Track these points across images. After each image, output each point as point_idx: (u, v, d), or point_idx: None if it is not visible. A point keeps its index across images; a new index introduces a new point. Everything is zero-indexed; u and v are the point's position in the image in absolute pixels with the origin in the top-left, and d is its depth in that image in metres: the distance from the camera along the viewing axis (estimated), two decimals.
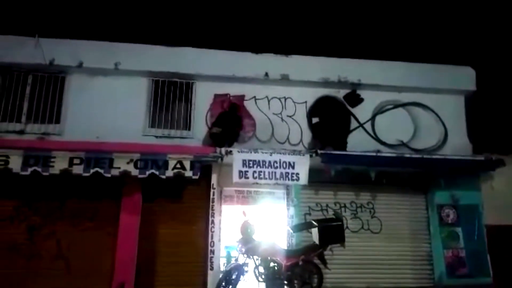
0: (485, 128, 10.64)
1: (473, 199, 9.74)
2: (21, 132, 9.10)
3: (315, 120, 10.06)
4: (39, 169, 7.98)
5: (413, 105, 10.51)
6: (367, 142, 10.03)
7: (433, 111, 10.49)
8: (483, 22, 12.49)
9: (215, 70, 9.80)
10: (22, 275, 8.11)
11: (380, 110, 10.38)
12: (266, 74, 9.95)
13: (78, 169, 8.11)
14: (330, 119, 10.05)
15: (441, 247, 9.41)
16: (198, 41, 10.37)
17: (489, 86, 10.98)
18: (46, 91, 9.45)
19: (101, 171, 8.16)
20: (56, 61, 9.34)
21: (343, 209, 9.55)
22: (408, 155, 9.55)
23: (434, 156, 9.65)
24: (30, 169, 7.94)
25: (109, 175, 8.20)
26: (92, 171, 8.13)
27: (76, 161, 8.15)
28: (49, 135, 9.11)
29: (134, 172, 8.29)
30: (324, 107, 10.18)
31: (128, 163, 8.30)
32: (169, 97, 9.83)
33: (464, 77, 10.58)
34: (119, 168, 8.25)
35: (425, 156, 9.56)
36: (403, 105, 10.47)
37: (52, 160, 8.08)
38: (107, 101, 9.42)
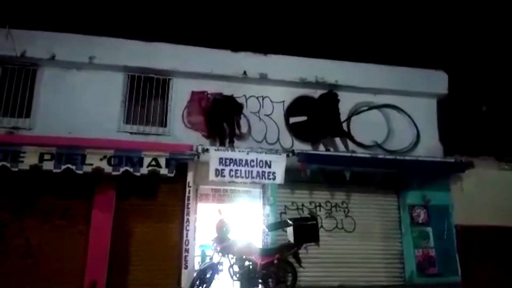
0: (456, 131, 10.94)
1: (443, 200, 10.02)
2: None
3: (296, 119, 10.10)
4: (8, 164, 7.71)
5: (388, 107, 10.72)
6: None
7: (406, 113, 10.72)
8: (458, 28, 12.83)
9: (193, 67, 9.70)
10: None
11: (355, 111, 10.53)
12: (245, 73, 9.93)
13: (48, 165, 7.88)
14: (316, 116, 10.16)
15: (412, 246, 9.65)
16: (176, 37, 10.22)
17: (461, 90, 11.30)
18: (16, 83, 9.13)
19: (73, 167, 7.95)
20: (28, 53, 9.04)
21: (318, 208, 9.67)
22: (381, 156, 9.73)
23: (406, 157, 9.86)
24: None
25: (81, 172, 8.00)
26: (63, 167, 7.91)
27: (46, 156, 7.91)
28: (19, 130, 8.81)
29: (108, 169, 8.12)
30: (301, 107, 10.25)
31: (101, 159, 8.12)
32: (145, 93, 9.67)
33: (437, 80, 10.87)
34: (91, 164, 8.06)
35: (398, 157, 9.76)
36: (378, 107, 10.66)
37: (22, 155, 7.82)
38: (81, 95, 9.20)
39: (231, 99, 9.69)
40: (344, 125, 10.37)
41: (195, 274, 7.64)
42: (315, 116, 10.21)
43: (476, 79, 12.07)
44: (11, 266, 7.97)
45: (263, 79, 10.02)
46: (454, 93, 10.92)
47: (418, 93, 10.74)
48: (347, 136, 10.21)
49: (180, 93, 9.76)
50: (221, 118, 9.43)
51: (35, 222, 8.28)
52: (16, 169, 7.76)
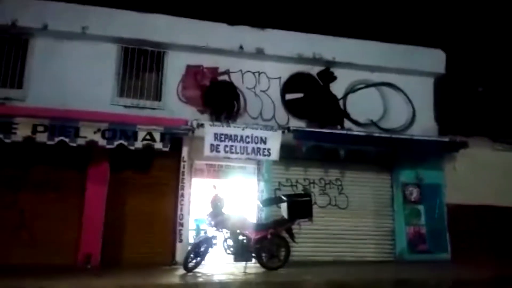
0: (451, 111, 10.95)
1: (436, 178, 10.13)
2: None
3: (292, 95, 10.04)
4: (1, 136, 7.63)
5: (384, 85, 10.68)
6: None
7: (403, 92, 10.69)
8: (457, 6, 12.66)
9: (188, 40, 9.53)
10: None
11: (352, 89, 10.46)
12: (241, 47, 9.78)
13: (42, 137, 7.81)
14: (316, 96, 10.12)
15: (404, 223, 9.81)
16: (171, 8, 9.98)
17: (458, 69, 11.25)
18: (8, 53, 8.94)
19: (66, 140, 7.89)
20: (20, 22, 8.81)
21: (312, 185, 9.72)
22: (376, 134, 9.75)
23: (401, 136, 9.92)
24: None
25: (74, 145, 7.95)
26: (56, 139, 7.85)
27: (40, 128, 7.83)
28: (11, 100, 8.66)
29: (102, 142, 8.07)
30: (298, 83, 10.16)
31: (95, 132, 8.06)
32: (139, 65, 9.52)
33: (435, 59, 10.80)
34: (85, 137, 8.00)
35: (393, 136, 9.81)
36: (375, 85, 10.61)
37: (15, 126, 7.73)
38: (74, 66, 9.03)
39: (229, 85, 9.60)
40: (340, 103, 10.31)
41: (189, 248, 7.70)
42: (312, 93, 10.14)
43: (474, 60, 12.01)
44: (6, 238, 7.97)
45: (259, 54, 9.88)
46: (451, 72, 10.89)
47: (416, 72, 10.68)
48: (343, 116, 10.15)
49: (175, 67, 9.62)
50: (219, 101, 9.32)
51: (29, 194, 8.26)
52: (9, 141, 7.68)
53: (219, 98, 9.46)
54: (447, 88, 11.07)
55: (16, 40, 9.00)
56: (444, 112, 10.80)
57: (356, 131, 9.79)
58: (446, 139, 10.04)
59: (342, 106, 10.33)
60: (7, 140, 7.66)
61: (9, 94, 8.73)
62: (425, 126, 10.49)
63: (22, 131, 7.74)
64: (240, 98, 9.71)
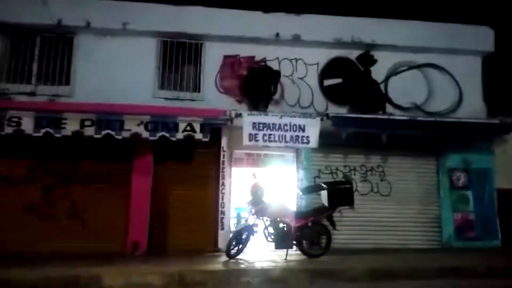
0: (501, 91, 10.37)
1: (486, 163, 9.69)
2: (32, 93, 9.10)
3: (331, 81, 9.89)
4: (51, 131, 8.06)
5: (428, 66, 10.25)
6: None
7: (448, 72, 10.22)
8: None
9: (224, 30, 9.57)
10: (39, 234, 8.38)
11: (394, 72, 10.13)
12: (277, 35, 9.70)
13: (89, 131, 8.19)
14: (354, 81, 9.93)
15: (451, 210, 9.48)
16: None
17: (508, 47, 10.58)
18: (55, 52, 9.39)
19: (112, 133, 8.22)
20: (64, 21, 9.20)
21: (352, 172, 9.59)
22: (420, 118, 9.42)
23: (447, 119, 9.51)
24: (42, 131, 8.03)
25: (120, 137, 8.27)
26: (103, 133, 8.19)
27: (87, 123, 8.20)
28: (60, 97, 9.11)
29: (145, 134, 8.34)
30: (337, 69, 9.98)
31: (138, 125, 8.33)
32: (178, 58, 9.70)
33: (482, 37, 10.21)
34: (130, 130, 8.30)
35: (438, 119, 9.43)
36: (418, 66, 10.21)
37: (64, 121, 8.14)
38: (116, 62, 9.33)
39: (268, 69, 9.59)
40: (382, 87, 10.03)
41: (231, 235, 7.86)
42: (351, 78, 9.93)
43: None
44: (59, 227, 8.50)
45: (296, 40, 9.77)
46: (500, 50, 10.26)
47: (462, 51, 10.16)
48: (385, 101, 9.86)
49: (212, 58, 9.71)
50: (257, 88, 9.34)
51: (79, 186, 8.73)
52: (59, 135, 8.11)
53: (258, 83, 9.43)
54: (496, 67, 10.45)
55: (61, 38, 9.43)
56: (493, 93, 10.23)
57: (399, 115, 9.49)
58: (496, 121, 9.53)
59: (383, 91, 10.02)
60: (57, 135, 8.09)
61: (57, 91, 9.19)
62: (473, 108, 10.01)
63: (71, 126, 8.14)
64: (279, 79, 9.62)
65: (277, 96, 9.66)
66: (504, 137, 9.64)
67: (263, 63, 9.74)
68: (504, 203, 9.49)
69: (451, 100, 10.12)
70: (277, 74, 9.59)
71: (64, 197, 8.68)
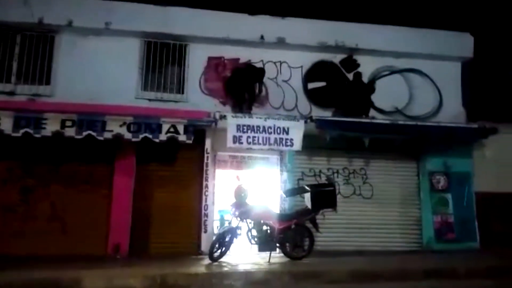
0: (480, 96, 10.61)
1: (465, 166, 9.88)
2: (11, 93, 8.90)
3: (315, 84, 9.96)
4: (31, 131, 7.89)
5: (410, 71, 10.43)
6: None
7: (429, 77, 10.43)
8: None
9: (209, 32, 9.55)
10: (18, 235, 8.17)
11: (376, 76, 10.27)
12: (262, 37, 9.73)
13: (70, 132, 8.05)
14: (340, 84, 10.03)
15: (431, 212, 9.64)
16: (192, 0, 10.01)
17: (487, 53, 10.86)
18: (35, 51, 9.20)
19: (94, 134, 8.10)
20: (46, 19, 9.04)
21: (336, 174, 9.67)
22: (402, 122, 9.58)
23: (428, 123, 9.69)
24: (21, 131, 7.86)
25: (101, 138, 8.14)
26: (84, 133, 8.06)
27: (68, 123, 8.06)
28: (40, 96, 8.94)
29: (127, 135, 8.24)
30: (320, 72, 10.06)
31: (121, 126, 8.23)
32: (162, 59, 9.63)
33: (462, 43, 10.44)
34: (112, 131, 8.18)
35: (419, 123, 9.60)
36: (400, 71, 10.39)
37: (44, 122, 7.98)
38: (99, 62, 9.21)
39: (251, 67, 9.57)
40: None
41: (214, 238, 7.82)
42: (335, 82, 10.02)
43: (503, 42, 11.56)
44: (38, 228, 8.30)
45: (281, 43, 9.82)
46: (479, 56, 10.51)
47: (442, 57, 10.38)
48: (369, 105, 9.98)
49: (197, 59, 9.68)
50: (241, 87, 9.33)
51: (59, 187, 8.57)
52: (39, 136, 7.95)
53: (242, 82, 9.36)
54: (476, 73, 10.71)
55: (43, 37, 9.25)
56: (473, 98, 10.47)
57: (381, 119, 9.63)
58: (475, 125, 9.74)
59: (368, 94, 10.14)
60: (37, 135, 7.93)
61: (38, 90, 9.01)
62: (452, 113, 10.21)
63: (51, 126, 7.98)
64: (264, 77, 9.58)
65: (262, 98, 9.67)
66: (482, 141, 9.84)
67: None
68: (482, 206, 9.70)
69: (431, 105, 10.32)
70: (261, 71, 9.56)
71: (43, 198, 8.50)
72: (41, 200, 8.49)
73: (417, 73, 10.44)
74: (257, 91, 9.52)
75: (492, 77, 11.18)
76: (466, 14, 11.74)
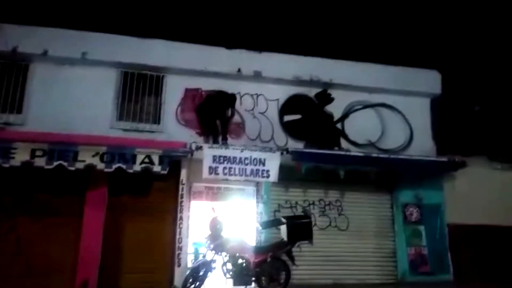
0: (449, 130, 11.00)
1: (436, 198, 10.09)
2: None
3: (290, 117, 10.11)
4: None
5: (382, 106, 10.75)
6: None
7: (400, 112, 10.76)
8: (451, 28, 12.90)
9: (186, 64, 9.64)
10: None
11: (350, 110, 10.53)
12: (239, 70, 9.89)
13: (40, 162, 7.80)
14: (311, 117, 10.21)
15: (405, 244, 9.71)
16: (169, 33, 10.15)
17: (454, 89, 11.36)
18: (8, 79, 9.01)
19: (65, 164, 7.87)
20: (20, 48, 8.91)
21: (312, 206, 9.68)
22: (375, 155, 9.77)
23: (400, 156, 9.93)
24: None
25: (73, 169, 7.92)
26: (55, 163, 7.82)
27: (38, 153, 7.83)
28: (11, 125, 8.69)
29: (100, 165, 8.05)
30: (296, 105, 10.25)
31: (93, 156, 8.05)
32: (139, 89, 9.59)
33: (431, 80, 10.92)
34: (84, 161, 7.98)
35: (391, 156, 9.82)
36: (372, 106, 10.68)
37: (13, 151, 7.73)
38: (73, 91, 9.09)
39: (222, 93, 9.64)
40: (338, 124, 10.37)
41: (188, 272, 7.58)
42: (310, 115, 10.21)
43: (469, 79, 12.15)
44: (2, 264, 7.87)
45: (257, 76, 9.99)
46: (447, 92, 10.99)
47: (412, 93, 10.78)
48: (341, 136, 10.20)
49: (173, 90, 9.69)
50: (213, 114, 9.36)
51: (26, 220, 8.18)
52: (7, 165, 7.67)
53: (213, 109, 9.42)
54: (444, 108, 11.14)
55: (16, 66, 9.10)
56: (442, 132, 10.84)
57: (355, 151, 9.81)
58: (445, 159, 10.05)
59: (340, 127, 10.36)
60: (5, 165, 7.65)
61: (8, 119, 8.77)
62: (423, 146, 10.50)
63: (20, 156, 7.73)
64: (235, 102, 9.69)
65: (236, 127, 9.70)
66: (452, 174, 10.11)
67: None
68: (454, 237, 9.86)
69: (402, 138, 10.60)
70: (232, 97, 9.65)
71: (8, 232, 8.08)
72: (5, 234, 8.07)
73: (389, 108, 10.77)
74: (229, 114, 9.54)
75: (460, 113, 11.65)
76: (434, 52, 12.35)
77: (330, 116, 10.32)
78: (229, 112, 9.60)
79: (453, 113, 11.44)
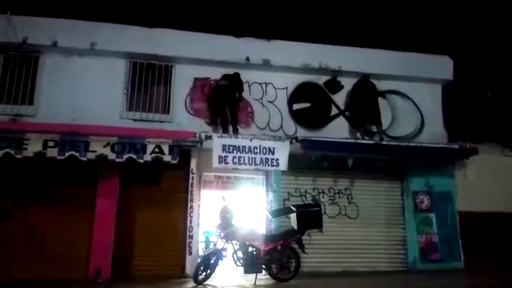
0: (460, 117, 10.87)
1: (447, 186, 10.01)
2: None
3: (299, 105, 10.05)
4: (12, 152, 7.72)
5: (392, 93, 10.63)
6: (346, 128, 10.22)
7: (410, 99, 10.64)
8: (463, 12, 12.65)
9: (195, 53, 9.62)
10: None
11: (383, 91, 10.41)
12: (247, 59, 9.84)
13: (52, 152, 7.89)
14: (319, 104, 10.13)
15: (415, 232, 9.67)
16: (178, 22, 10.13)
17: (466, 75, 11.19)
18: (19, 70, 9.10)
19: (77, 154, 7.96)
20: (30, 39, 8.98)
21: (321, 195, 9.65)
22: (385, 143, 9.70)
23: (410, 144, 9.82)
24: (2, 152, 7.67)
25: (84, 159, 8.01)
26: (67, 154, 7.92)
27: (50, 143, 7.92)
28: (22, 117, 8.80)
29: (111, 156, 8.12)
30: (305, 93, 10.19)
31: (105, 146, 8.12)
32: (148, 79, 9.62)
33: (442, 66, 10.74)
34: (95, 151, 8.06)
35: (401, 144, 9.72)
36: (382, 93, 10.57)
37: (26, 142, 7.83)
38: (83, 82, 9.16)
39: (233, 77, 9.52)
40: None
41: (199, 260, 7.69)
42: (320, 102, 10.16)
43: (481, 65, 11.95)
44: (16, 252, 8.03)
45: (266, 65, 9.94)
46: (459, 78, 10.82)
47: (423, 79, 10.63)
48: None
49: (182, 80, 9.70)
50: (223, 102, 9.33)
51: (39, 209, 8.32)
52: (20, 156, 7.79)
53: (222, 95, 9.34)
54: (456, 95, 11.00)
55: (26, 57, 9.17)
56: (453, 119, 10.72)
57: (365, 139, 9.75)
58: (456, 146, 9.95)
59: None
60: (18, 156, 7.76)
61: (20, 110, 8.88)
62: (434, 133, 10.41)
63: (33, 147, 7.83)
64: (242, 84, 9.61)
65: (247, 118, 9.72)
66: (463, 161, 10.01)
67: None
68: (465, 225, 9.80)
69: (413, 126, 10.50)
70: (236, 76, 9.50)
71: (22, 221, 8.23)
72: (19, 222, 8.22)
73: (399, 95, 10.65)
74: (237, 98, 9.50)
75: (472, 99, 11.50)
76: (445, 37, 12.15)
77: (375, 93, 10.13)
78: (238, 94, 9.52)
79: (464, 100, 11.30)
